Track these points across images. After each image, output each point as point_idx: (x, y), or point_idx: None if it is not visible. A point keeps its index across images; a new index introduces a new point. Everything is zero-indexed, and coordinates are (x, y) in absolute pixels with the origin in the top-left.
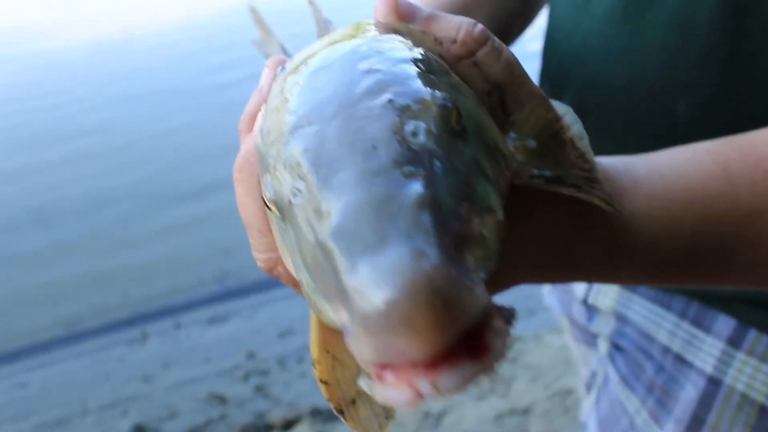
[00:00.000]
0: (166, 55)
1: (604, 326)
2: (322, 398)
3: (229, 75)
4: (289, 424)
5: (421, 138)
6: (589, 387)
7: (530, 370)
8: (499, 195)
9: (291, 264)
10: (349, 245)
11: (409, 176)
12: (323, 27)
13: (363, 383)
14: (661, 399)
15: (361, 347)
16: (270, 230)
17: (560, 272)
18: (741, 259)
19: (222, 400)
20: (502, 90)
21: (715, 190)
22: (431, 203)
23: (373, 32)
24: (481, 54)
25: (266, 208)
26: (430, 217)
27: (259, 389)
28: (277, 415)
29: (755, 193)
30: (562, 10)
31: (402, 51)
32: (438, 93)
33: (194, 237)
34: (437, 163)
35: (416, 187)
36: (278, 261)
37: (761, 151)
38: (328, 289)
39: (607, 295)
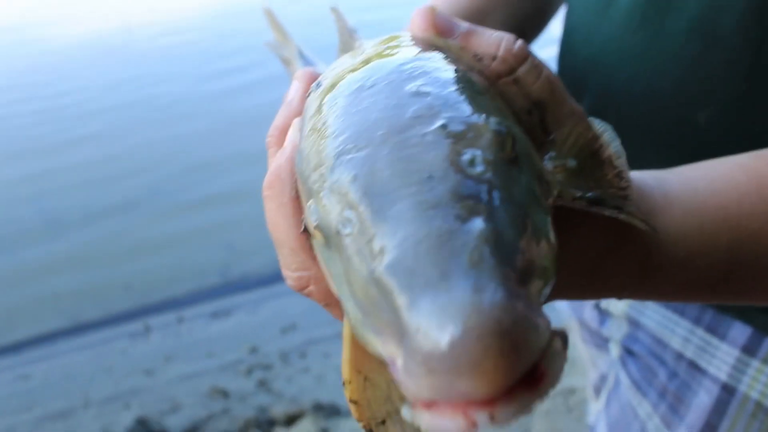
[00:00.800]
0: (168, 58)
1: (616, 330)
2: (324, 394)
3: (235, 79)
4: (292, 419)
5: (479, 167)
6: (597, 390)
7: None
8: (551, 222)
9: (335, 288)
10: (409, 282)
11: (470, 209)
12: (348, 36)
13: (406, 413)
14: (673, 405)
15: (419, 386)
16: (302, 249)
17: (594, 290)
18: None
19: (224, 394)
20: (542, 108)
21: (749, 207)
22: (494, 237)
23: (410, 47)
24: (522, 71)
25: (305, 229)
26: (493, 253)
27: (262, 384)
28: (279, 410)
29: None
30: (580, 14)
31: (448, 71)
32: (492, 117)
33: (197, 231)
34: (496, 194)
35: (478, 221)
36: (310, 280)
37: None
38: (379, 323)
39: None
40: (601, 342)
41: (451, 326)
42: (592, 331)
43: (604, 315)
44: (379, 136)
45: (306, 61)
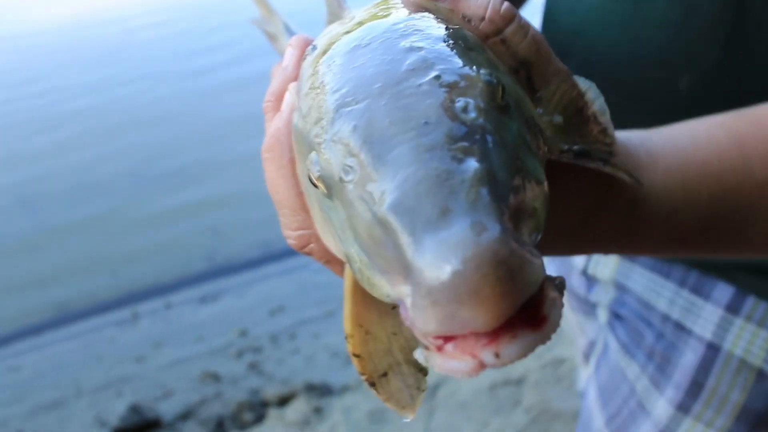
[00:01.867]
0: (149, 37)
1: (603, 296)
2: (315, 374)
3: (217, 56)
4: (285, 400)
5: (472, 114)
6: (587, 356)
7: None
8: (542, 167)
9: (333, 240)
10: (412, 220)
11: (465, 151)
12: (336, 6)
13: (419, 355)
14: (661, 365)
15: (426, 319)
16: (302, 208)
17: (582, 244)
18: (754, 230)
19: (216, 378)
20: (529, 67)
21: (729, 162)
22: (489, 177)
23: (401, 11)
24: (509, 31)
25: (302, 185)
26: (489, 191)
27: (253, 366)
28: (271, 392)
29: (767, 166)
30: None
31: (439, 29)
32: (482, 69)
33: (183, 217)
34: (489, 138)
35: (473, 162)
36: (311, 238)
37: None
38: (385, 263)
39: (606, 265)
40: (588, 308)
41: (452, 259)
42: (579, 298)
43: (591, 281)
44: (376, 88)
45: (292, 36)
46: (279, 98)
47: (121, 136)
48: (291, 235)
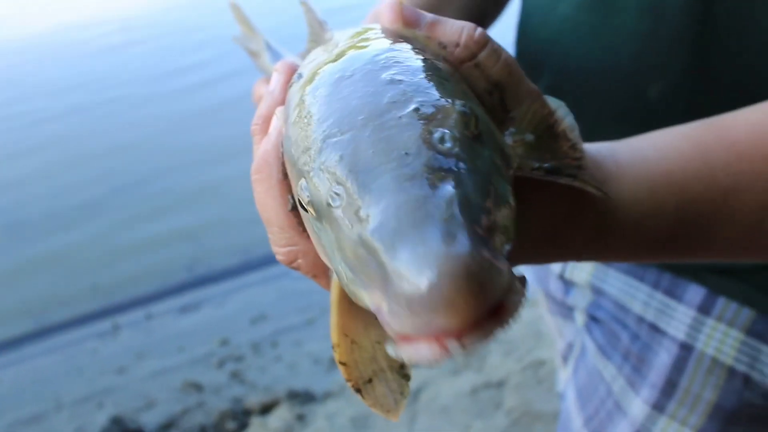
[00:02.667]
0: (128, 55)
1: (580, 299)
2: (298, 381)
3: (197, 76)
4: (268, 408)
5: (448, 144)
6: (565, 358)
7: (503, 344)
8: (511, 188)
9: (326, 257)
10: (393, 240)
11: (441, 179)
12: (318, 28)
13: (390, 349)
14: (636, 366)
15: (401, 323)
16: (290, 226)
17: (555, 253)
18: (719, 235)
19: (198, 387)
20: (502, 88)
21: (693, 171)
22: (462, 201)
23: (381, 40)
24: (483, 56)
25: (292, 207)
26: (461, 213)
27: (235, 375)
28: (254, 400)
29: (730, 174)
30: None
31: (417, 61)
32: (457, 100)
33: (161, 227)
34: (463, 166)
35: (448, 188)
36: (298, 254)
37: (734, 135)
38: (368, 279)
39: (583, 269)
40: (566, 312)
41: (427, 271)
42: (557, 301)
43: (568, 285)
44: (360, 120)
45: (274, 53)
46: (266, 121)
47: (100, 151)
48: (280, 251)
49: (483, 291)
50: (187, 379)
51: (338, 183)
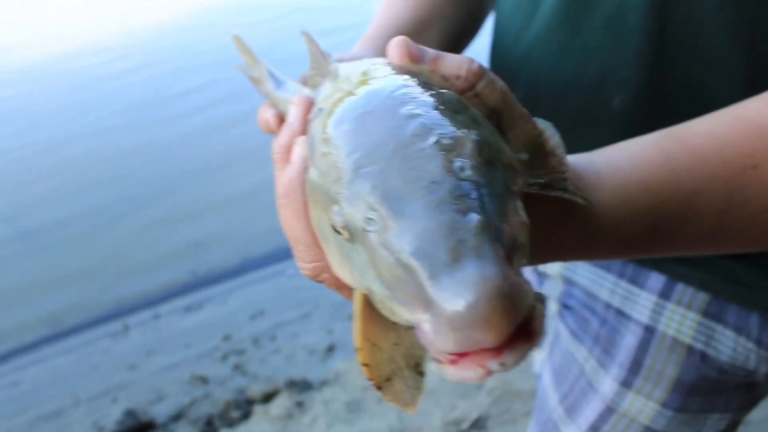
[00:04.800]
0: (123, 83)
1: (553, 289)
2: (296, 371)
3: (193, 100)
4: (269, 397)
5: (468, 172)
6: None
7: None
8: (522, 204)
9: (350, 275)
10: (431, 264)
11: (467, 204)
12: (321, 59)
13: (435, 368)
14: (605, 348)
15: (446, 341)
16: (315, 244)
17: (546, 255)
18: (687, 233)
19: (204, 380)
20: (498, 113)
21: (661, 177)
22: (488, 225)
23: (393, 75)
24: (481, 86)
25: (316, 227)
26: (489, 237)
27: (238, 368)
28: (256, 390)
29: (694, 178)
30: (509, 17)
31: (429, 95)
32: (471, 130)
33: (166, 236)
34: (483, 191)
35: (474, 214)
36: (323, 269)
37: (694, 142)
38: (407, 296)
39: (555, 262)
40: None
41: (467, 295)
42: None
43: (542, 276)
44: (387, 152)
45: (276, 80)
46: (288, 150)
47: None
48: (306, 267)
49: (513, 308)
50: (193, 373)
51: (372, 209)
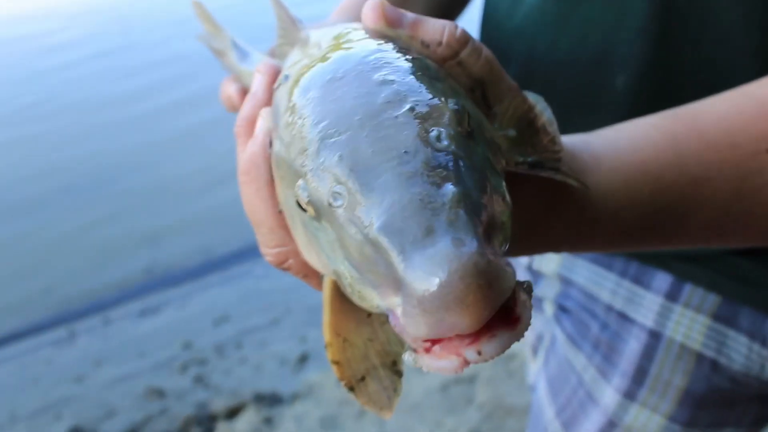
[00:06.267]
0: (72, 58)
1: (549, 290)
2: (264, 383)
3: (150, 77)
4: (234, 412)
5: (444, 142)
6: (535, 350)
7: None
8: (505, 183)
9: (318, 257)
10: (401, 240)
11: (442, 176)
12: (290, 25)
13: (408, 358)
14: (606, 355)
15: (417, 325)
16: (280, 227)
17: (536, 244)
18: (692, 222)
19: (160, 394)
20: (484, 85)
21: (665, 161)
22: (464, 199)
23: (367, 41)
24: (464, 54)
25: (282, 206)
26: (465, 211)
27: (199, 379)
28: (219, 404)
29: (701, 162)
30: None
31: (406, 61)
32: (449, 98)
33: (117, 228)
34: (461, 163)
35: (449, 186)
36: (289, 254)
37: (702, 124)
38: (376, 278)
39: (551, 260)
40: (535, 302)
41: (439, 272)
42: None
43: (536, 276)
44: (356, 120)
45: (240, 51)
46: (251, 123)
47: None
48: (269, 252)
49: (491, 289)
50: (148, 386)
51: (339, 182)
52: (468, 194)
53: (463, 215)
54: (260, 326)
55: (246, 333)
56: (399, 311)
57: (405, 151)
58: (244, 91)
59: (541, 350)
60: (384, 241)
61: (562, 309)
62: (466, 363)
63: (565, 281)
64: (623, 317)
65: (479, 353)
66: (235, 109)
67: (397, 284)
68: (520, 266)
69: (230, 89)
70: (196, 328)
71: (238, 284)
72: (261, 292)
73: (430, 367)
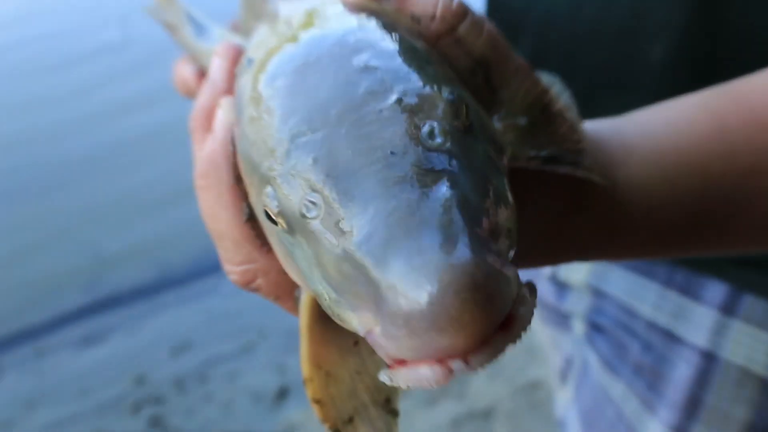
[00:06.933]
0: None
1: (578, 304)
2: (235, 423)
3: (92, 68)
4: None
5: (438, 139)
6: (564, 376)
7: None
8: (508, 184)
9: (298, 276)
10: (383, 252)
11: (434, 180)
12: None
13: (384, 377)
14: (651, 382)
15: (399, 347)
16: (246, 240)
17: (557, 254)
18: (740, 222)
19: None
20: (487, 66)
21: (711, 149)
22: (459, 203)
23: (345, 16)
24: (463, 29)
25: (248, 218)
26: (461, 216)
27: (156, 422)
28: None
29: (752, 150)
30: None
31: (391, 41)
32: (443, 87)
33: (56, 240)
34: (456, 163)
35: (443, 190)
36: (257, 273)
37: (755, 102)
38: (356, 298)
39: (579, 268)
40: (562, 320)
41: (426, 284)
42: (550, 308)
43: (562, 288)
44: (333, 115)
45: (196, 25)
46: (209, 116)
47: None
48: (234, 270)
49: (491, 303)
50: (94, 430)
51: (314, 190)
52: (464, 198)
53: (457, 220)
54: (229, 355)
55: (212, 363)
56: (377, 330)
57: (391, 152)
58: (203, 74)
59: (570, 377)
60: (363, 255)
61: (594, 327)
62: (451, 374)
63: (598, 293)
64: (669, 336)
65: (466, 363)
66: (192, 94)
67: (378, 302)
68: (542, 277)
69: (185, 71)
70: (150, 359)
71: (200, 304)
72: (229, 313)
73: (407, 380)
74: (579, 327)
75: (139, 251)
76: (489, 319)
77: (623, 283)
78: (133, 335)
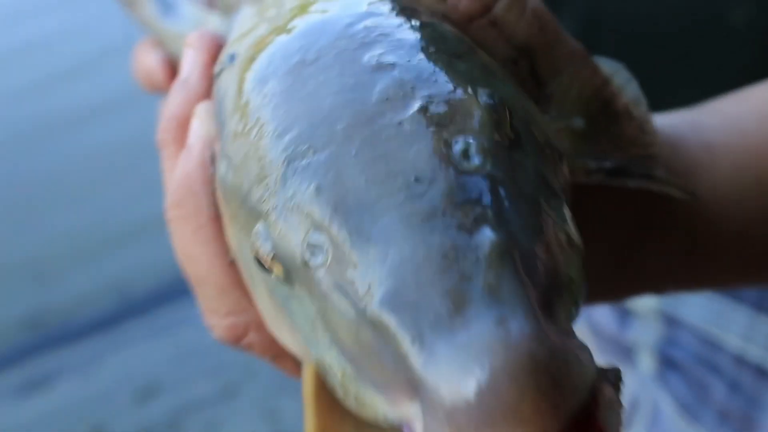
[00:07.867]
0: None
1: (645, 334)
2: None
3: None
4: None
5: (475, 159)
6: (628, 423)
7: None
8: (570, 211)
9: (293, 337)
10: (416, 319)
11: (474, 216)
12: None
13: None
14: (740, 431)
15: None
16: (232, 286)
17: (625, 287)
18: None
19: None
20: (532, 53)
21: None
22: (509, 250)
23: None
24: (500, 8)
25: (239, 260)
26: (512, 271)
27: None
28: None
29: None
30: None
31: (411, 27)
32: (479, 87)
33: None
34: (502, 191)
35: (487, 231)
36: (249, 327)
37: None
38: (381, 376)
39: None
40: (624, 353)
41: (476, 369)
42: (609, 338)
43: (624, 314)
44: (340, 130)
45: (163, 2)
46: (182, 126)
47: None
48: (219, 325)
49: (559, 390)
50: None
51: (318, 229)
52: (515, 241)
53: (509, 277)
54: (208, 399)
55: (185, 410)
56: (419, 427)
57: (416, 178)
58: (171, 64)
59: (638, 423)
60: (389, 321)
61: (667, 362)
62: None
63: (671, 321)
64: (762, 373)
65: None
66: (156, 88)
67: (414, 386)
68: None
69: (148, 60)
70: (109, 406)
71: (170, 337)
72: (205, 348)
73: None
74: (647, 362)
75: (97, 275)
76: (557, 409)
77: (704, 308)
78: (87, 377)
